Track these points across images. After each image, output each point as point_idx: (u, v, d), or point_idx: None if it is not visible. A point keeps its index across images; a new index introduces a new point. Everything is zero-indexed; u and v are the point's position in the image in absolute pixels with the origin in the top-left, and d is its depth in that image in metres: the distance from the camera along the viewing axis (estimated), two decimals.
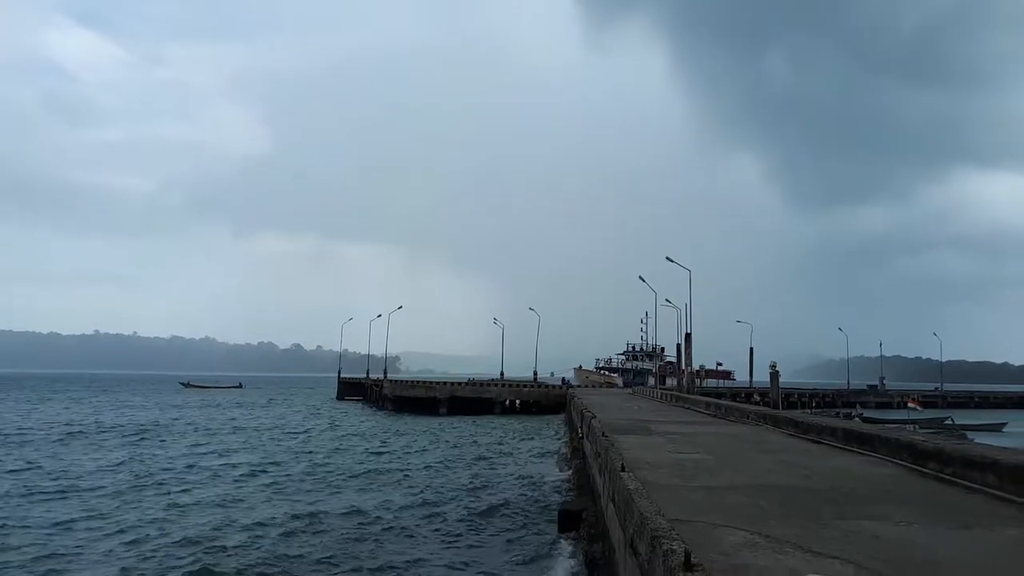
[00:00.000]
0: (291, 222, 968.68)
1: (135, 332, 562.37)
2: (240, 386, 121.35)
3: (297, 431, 42.69)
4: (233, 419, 51.59)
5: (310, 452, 31.34)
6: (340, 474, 24.77)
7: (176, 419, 50.19)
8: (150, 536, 14.84)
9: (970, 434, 36.41)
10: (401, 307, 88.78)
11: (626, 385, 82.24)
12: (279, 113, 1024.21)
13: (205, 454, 29.75)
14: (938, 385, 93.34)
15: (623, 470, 8.77)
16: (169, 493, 20.08)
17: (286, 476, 23.96)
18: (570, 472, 23.17)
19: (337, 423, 50.20)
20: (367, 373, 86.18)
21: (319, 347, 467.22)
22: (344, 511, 18.17)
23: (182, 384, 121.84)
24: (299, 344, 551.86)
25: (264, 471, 24.91)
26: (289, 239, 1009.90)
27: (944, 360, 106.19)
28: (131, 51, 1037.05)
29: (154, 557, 13.29)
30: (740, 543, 5.82)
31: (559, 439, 38.22)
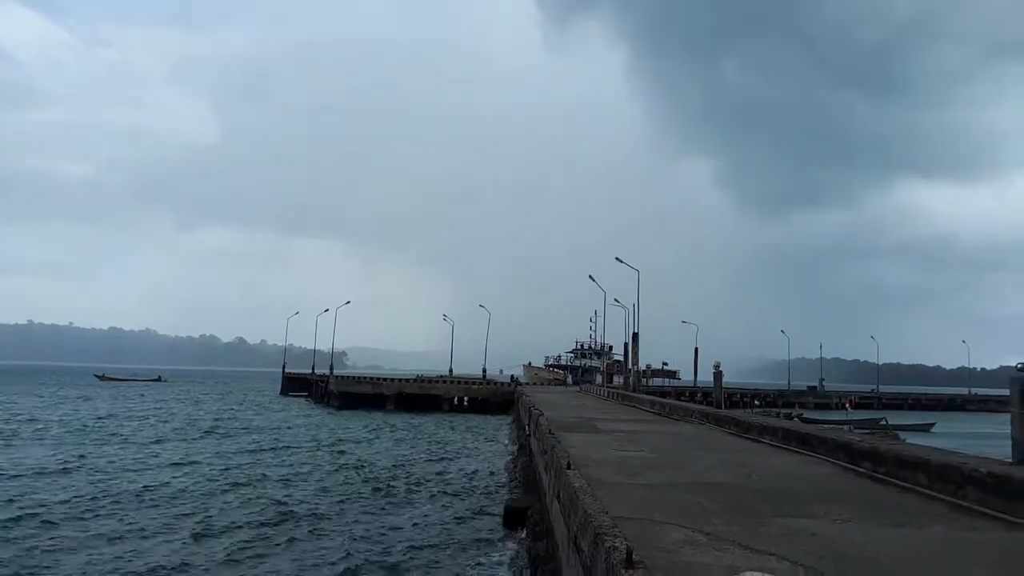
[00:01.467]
0: (239, 214, 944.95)
1: (72, 323, 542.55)
2: (160, 379, 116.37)
3: (200, 427, 40.74)
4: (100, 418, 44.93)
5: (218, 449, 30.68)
6: (266, 469, 24.25)
7: (66, 416, 45.61)
8: None
9: (902, 434, 37.74)
10: (349, 302, 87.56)
11: (574, 383, 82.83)
12: (230, 102, 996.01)
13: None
14: (875, 387, 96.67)
15: (569, 468, 8.80)
16: None
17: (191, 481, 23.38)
18: (517, 469, 23.22)
19: (272, 420, 49.33)
20: (312, 368, 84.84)
21: (263, 341, 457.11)
22: (273, 509, 17.84)
23: (97, 376, 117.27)
24: (242, 338, 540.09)
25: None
26: (236, 231, 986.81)
27: (881, 363, 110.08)
28: (74, 33, 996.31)
29: None
30: (682, 540, 5.88)
31: (507, 436, 38.32)
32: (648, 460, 11.54)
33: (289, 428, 41.87)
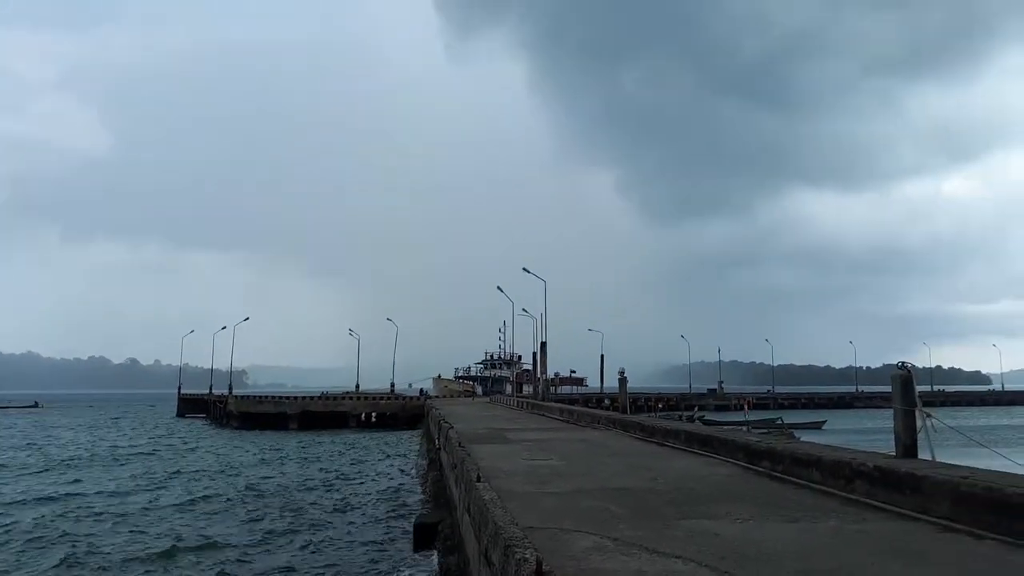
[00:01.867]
0: (130, 227, 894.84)
1: None
2: (36, 405, 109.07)
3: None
4: None
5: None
6: (165, 501, 22.87)
7: None
8: None
9: (796, 433, 39.71)
10: (248, 318, 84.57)
11: (485, 394, 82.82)
12: (122, 111, 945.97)
13: None
14: (770, 388, 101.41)
15: (479, 480, 8.71)
16: None
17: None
18: (427, 484, 22.92)
19: (171, 444, 46.83)
20: (210, 389, 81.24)
21: (157, 362, 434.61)
22: (174, 541, 16.89)
23: None
24: (135, 359, 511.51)
25: None
26: (127, 246, 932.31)
27: (775, 364, 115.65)
28: None
29: None
30: (590, 547, 5.91)
31: (416, 451, 37.82)
32: (557, 468, 11.60)
33: (185, 453, 39.67)
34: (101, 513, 20.47)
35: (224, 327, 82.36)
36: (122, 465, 33.32)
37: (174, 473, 29.84)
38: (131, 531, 18.00)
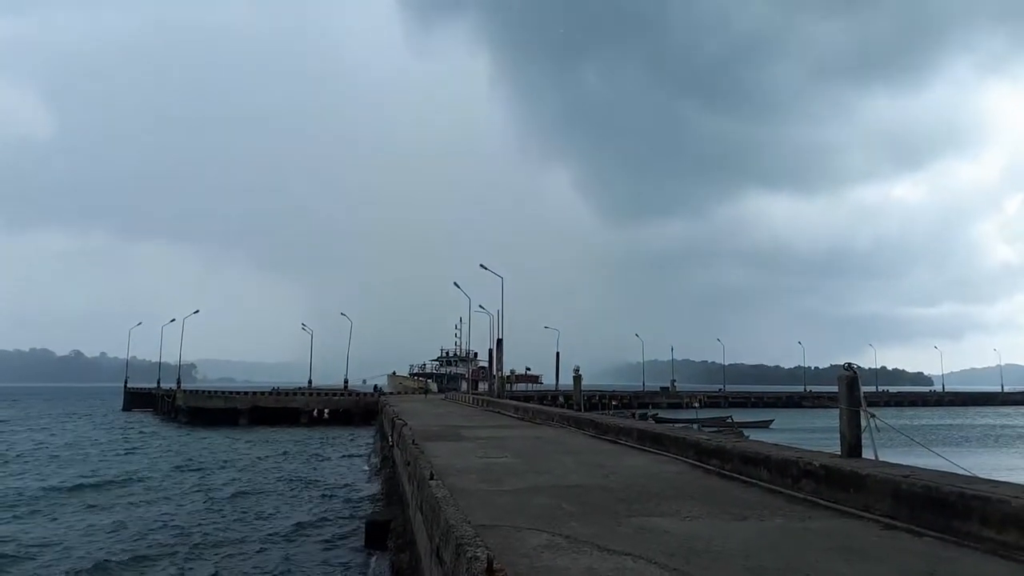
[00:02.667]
0: (75, 215, 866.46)
1: None
2: None
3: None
4: None
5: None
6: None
7: None
8: None
9: (746, 431, 40.51)
10: (198, 311, 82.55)
11: (441, 391, 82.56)
12: (64, 94, 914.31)
13: None
14: (721, 386, 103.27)
15: (431, 478, 8.66)
16: None
17: None
18: (380, 482, 22.74)
19: (97, 440, 45.51)
20: (158, 382, 79.26)
21: (103, 354, 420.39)
22: (116, 534, 16.43)
23: None
24: (79, 351, 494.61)
25: None
26: (72, 234, 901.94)
27: (727, 363, 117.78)
28: None
29: None
30: (542, 545, 5.93)
31: (369, 448, 37.50)
32: (511, 466, 11.61)
33: (126, 450, 38.39)
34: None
35: (173, 319, 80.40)
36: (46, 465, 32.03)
37: (116, 476, 28.99)
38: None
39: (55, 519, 18.92)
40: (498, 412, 31.19)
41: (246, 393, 66.11)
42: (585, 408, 34.43)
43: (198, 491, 23.87)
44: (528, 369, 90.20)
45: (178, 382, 72.33)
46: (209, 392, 67.96)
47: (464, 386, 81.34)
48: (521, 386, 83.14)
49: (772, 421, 57.78)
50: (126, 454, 36.06)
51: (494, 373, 57.98)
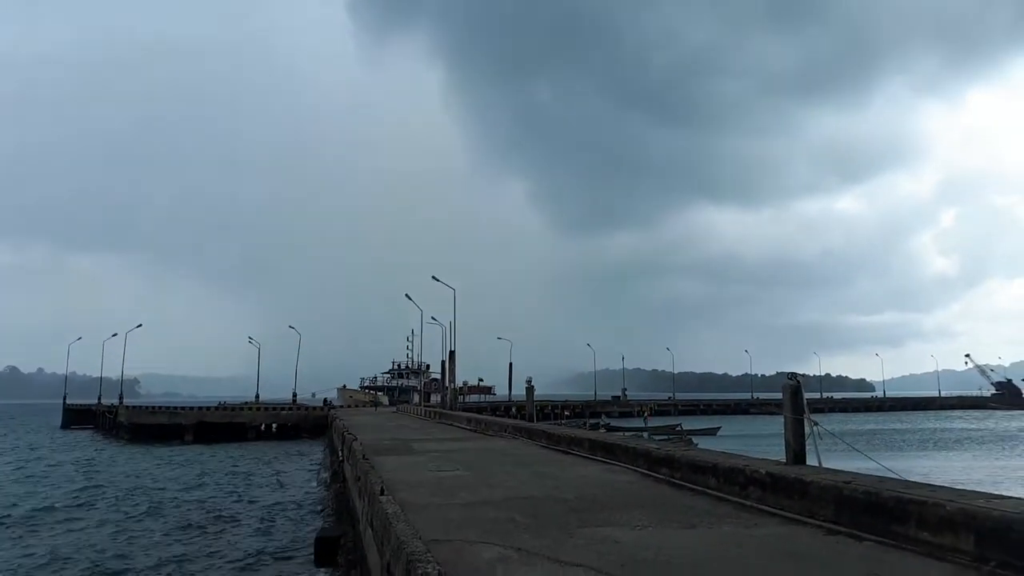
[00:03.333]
0: (12, 228, 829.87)
1: None
2: None
3: None
4: None
5: None
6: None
7: None
8: None
9: (694, 439, 41.06)
10: (140, 325, 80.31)
11: (392, 403, 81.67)
12: (4, 105, 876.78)
13: None
14: (671, 395, 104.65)
15: (382, 493, 8.55)
16: None
17: None
18: (330, 497, 22.36)
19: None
20: (99, 398, 76.57)
21: (40, 370, 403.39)
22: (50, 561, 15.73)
23: None
24: (14, 367, 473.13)
25: None
26: (8, 247, 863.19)
27: (676, 372, 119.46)
28: None
29: None
30: (494, 558, 5.92)
31: (319, 463, 36.86)
32: (463, 479, 11.56)
33: (58, 466, 36.92)
34: None
35: (115, 334, 78.09)
36: None
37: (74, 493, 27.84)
38: None
39: None
40: (451, 424, 31.03)
41: (191, 408, 64.41)
42: (538, 418, 34.54)
43: (131, 511, 23.06)
44: (481, 380, 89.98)
45: (120, 397, 70.10)
46: (152, 408, 66.09)
47: (416, 399, 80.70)
48: (474, 397, 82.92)
49: (719, 428, 58.78)
50: (78, 467, 34.69)
51: (446, 385, 57.65)
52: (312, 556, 14.57)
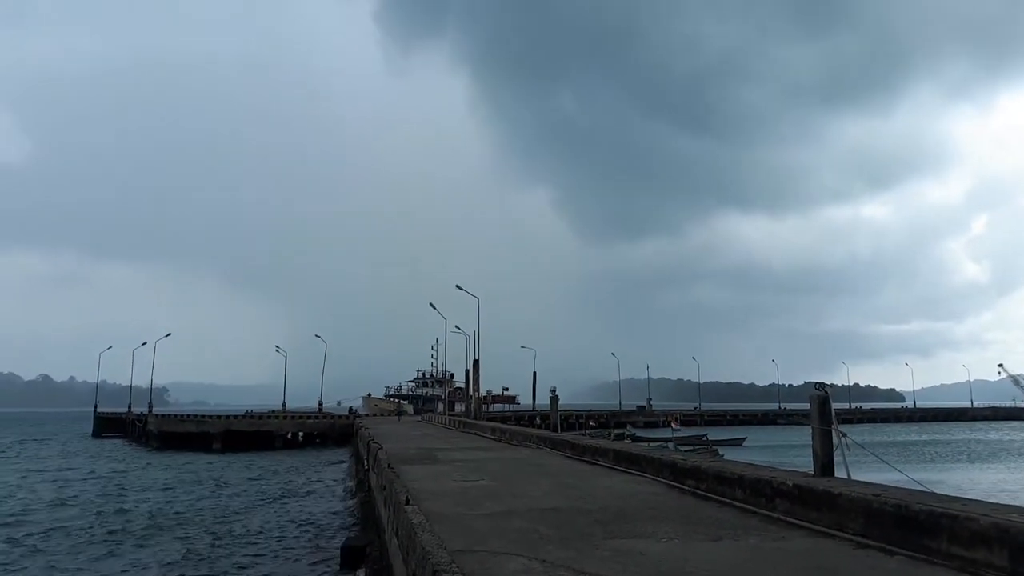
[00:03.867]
0: (46, 238, 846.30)
1: None
2: None
3: None
4: None
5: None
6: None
7: None
8: None
9: (720, 449, 40.64)
10: (170, 334, 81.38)
11: (417, 412, 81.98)
12: (39, 117, 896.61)
13: None
14: (697, 405, 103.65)
15: (407, 503, 8.59)
16: None
17: None
18: (355, 506, 22.47)
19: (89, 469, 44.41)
20: (129, 407, 77.70)
21: (72, 378, 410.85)
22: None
23: None
24: (47, 375, 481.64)
25: None
26: (42, 256, 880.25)
27: (702, 381, 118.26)
28: None
29: None
30: (518, 570, 5.91)
31: (344, 472, 37.06)
32: (487, 489, 11.56)
33: (93, 477, 37.42)
34: None
35: (145, 342, 79.19)
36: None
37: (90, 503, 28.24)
38: None
39: None
40: (474, 434, 31.05)
41: (219, 417, 65.16)
42: (562, 428, 34.43)
43: (169, 517, 23.37)
44: (505, 389, 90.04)
45: (149, 406, 71.07)
46: (181, 416, 66.96)
47: (440, 407, 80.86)
48: (498, 406, 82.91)
49: (745, 439, 58.09)
50: (109, 476, 35.22)
51: (471, 394, 57.70)
52: (338, 565, 14.68)
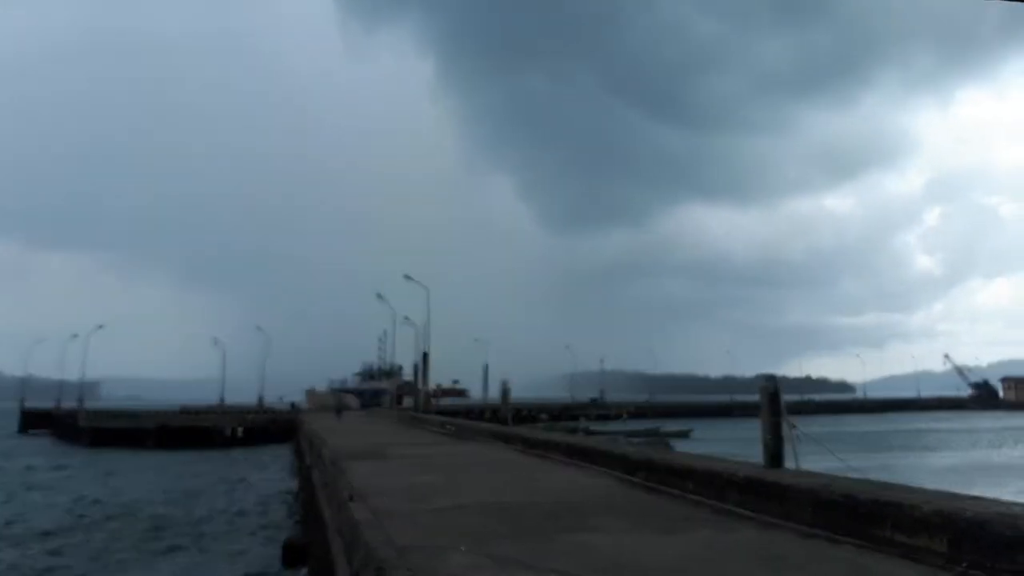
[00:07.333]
0: None
1: None
2: None
3: None
4: None
5: None
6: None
7: None
8: None
9: (670, 441, 41.24)
10: (102, 326, 78.53)
11: (363, 406, 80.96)
12: None
13: None
14: (648, 397, 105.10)
15: (351, 500, 8.36)
16: None
17: None
18: (297, 504, 21.99)
19: None
20: (58, 402, 74.73)
21: None
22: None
23: None
24: None
25: None
26: None
27: (658, 373, 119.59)
28: None
29: None
30: (468, 565, 5.74)
31: (286, 469, 36.34)
32: (437, 484, 11.35)
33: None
34: None
35: (76, 335, 76.28)
36: None
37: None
38: None
39: None
40: (424, 429, 30.77)
41: (154, 412, 63.27)
42: (514, 422, 34.35)
43: (87, 519, 22.42)
44: (456, 383, 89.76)
45: (80, 401, 68.58)
46: (114, 412, 64.80)
47: (388, 401, 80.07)
48: (447, 400, 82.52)
49: (691, 431, 59.10)
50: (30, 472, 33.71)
51: (420, 388, 57.22)
52: (279, 564, 14.32)
